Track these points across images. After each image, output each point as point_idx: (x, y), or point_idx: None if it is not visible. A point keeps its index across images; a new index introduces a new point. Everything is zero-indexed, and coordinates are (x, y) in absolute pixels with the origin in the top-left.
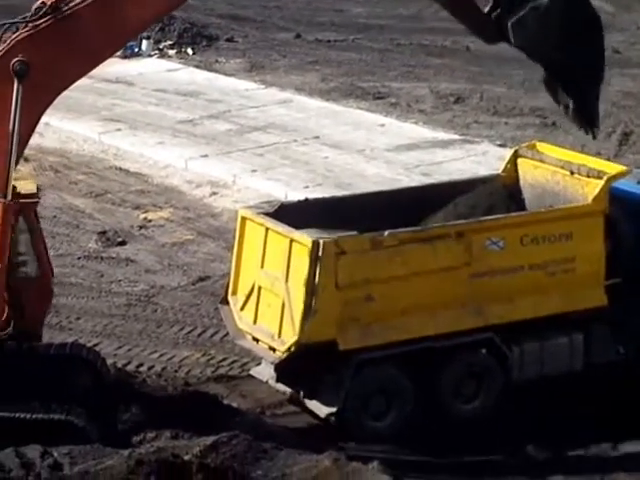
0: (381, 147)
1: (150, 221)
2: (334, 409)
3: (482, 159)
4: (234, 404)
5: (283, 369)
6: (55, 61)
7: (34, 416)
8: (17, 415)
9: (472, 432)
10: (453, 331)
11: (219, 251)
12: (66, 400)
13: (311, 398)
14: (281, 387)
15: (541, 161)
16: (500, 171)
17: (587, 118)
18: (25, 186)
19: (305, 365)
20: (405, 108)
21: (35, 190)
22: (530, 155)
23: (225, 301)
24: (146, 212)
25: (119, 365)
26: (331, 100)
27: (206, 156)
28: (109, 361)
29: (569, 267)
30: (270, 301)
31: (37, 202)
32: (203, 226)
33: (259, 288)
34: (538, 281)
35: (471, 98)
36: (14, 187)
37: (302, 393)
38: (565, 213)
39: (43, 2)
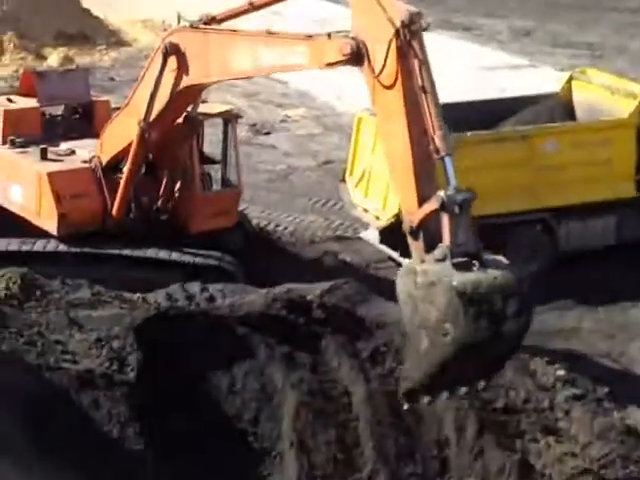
0: (465, 67)
1: (289, 117)
2: None
3: (544, 80)
4: (347, 258)
5: (386, 234)
6: (188, 58)
7: (196, 261)
8: (184, 259)
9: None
10: (516, 211)
11: (340, 142)
12: (221, 250)
13: (406, 257)
14: (383, 248)
15: (590, 83)
16: (558, 90)
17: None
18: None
19: (402, 231)
20: (486, 38)
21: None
22: (582, 78)
23: (343, 180)
24: (286, 110)
25: (261, 225)
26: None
27: None
28: (254, 222)
29: (608, 165)
30: (378, 181)
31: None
32: (329, 122)
33: (370, 170)
34: (583, 175)
35: (537, 32)
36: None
37: (399, 253)
38: (606, 124)
39: (209, 16)
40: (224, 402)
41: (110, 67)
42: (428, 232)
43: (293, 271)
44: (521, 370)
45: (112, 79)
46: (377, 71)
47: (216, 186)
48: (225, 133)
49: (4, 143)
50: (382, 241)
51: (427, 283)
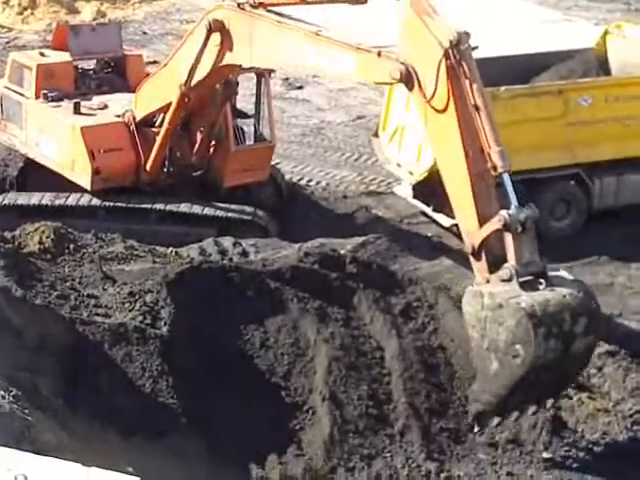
0: (500, 21)
1: None
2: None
3: (579, 34)
4: (380, 213)
5: (419, 188)
6: (233, 38)
7: (230, 215)
8: (217, 214)
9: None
10: (550, 166)
11: (374, 97)
12: (254, 205)
13: (438, 212)
14: (416, 202)
15: (625, 37)
16: (593, 45)
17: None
18: None
19: (435, 186)
20: None
21: None
22: (617, 33)
23: (377, 135)
24: None
25: (294, 180)
26: None
27: None
28: (287, 177)
29: None
30: (411, 136)
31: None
32: None
33: (403, 125)
34: (617, 131)
35: None
36: None
37: (432, 207)
38: None
39: (257, 1)
40: (257, 356)
41: (143, 21)
42: (491, 251)
43: (326, 226)
44: None
45: (145, 33)
46: (428, 95)
47: (249, 141)
48: (258, 87)
49: (37, 97)
50: (415, 196)
51: (495, 305)
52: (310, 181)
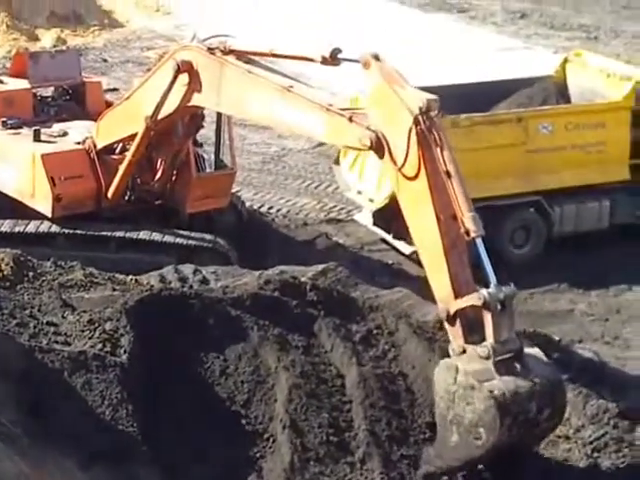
0: (460, 49)
1: None
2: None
3: (539, 62)
4: (340, 241)
5: (379, 216)
6: (201, 80)
7: (190, 243)
8: (177, 241)
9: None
10: (510, 193)
11: None
12: (214, 232)
13: (399, 239)
14: (377, 230)
15: (585, 66)
16: (553, 72)
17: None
18: None
19: (395, 213)
20: (481, 20)
21: None
22: (576, 61)
23: (337, 162)
24: None
25: (255, 207)
26: (428, 12)
27: None
28: (247, 204)
29: (602, 149)
30: (372, 163)
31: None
32: None
33: (364, 153)
34: (577, 158)
35: (533, 15)
36: None
37: (392, 235)
38: (601, 107)
39: (228, 47)
40: (217, 384)
41: (103, 48)
42: (465, 317)
43: (286, 253)
44: None
45: (105, 60)
46: (399, 163)
47: (209, 168)
48: (219, 114)
49: None
50: (375, 223)
51: (467, 385)
52: (270, 208)
